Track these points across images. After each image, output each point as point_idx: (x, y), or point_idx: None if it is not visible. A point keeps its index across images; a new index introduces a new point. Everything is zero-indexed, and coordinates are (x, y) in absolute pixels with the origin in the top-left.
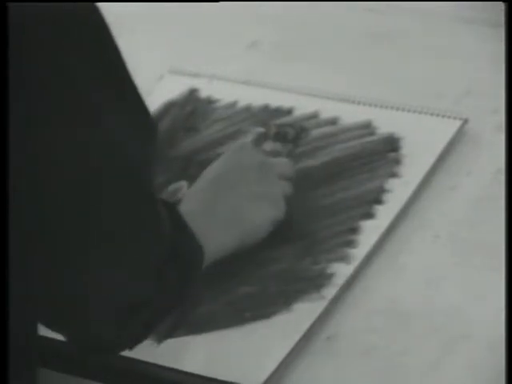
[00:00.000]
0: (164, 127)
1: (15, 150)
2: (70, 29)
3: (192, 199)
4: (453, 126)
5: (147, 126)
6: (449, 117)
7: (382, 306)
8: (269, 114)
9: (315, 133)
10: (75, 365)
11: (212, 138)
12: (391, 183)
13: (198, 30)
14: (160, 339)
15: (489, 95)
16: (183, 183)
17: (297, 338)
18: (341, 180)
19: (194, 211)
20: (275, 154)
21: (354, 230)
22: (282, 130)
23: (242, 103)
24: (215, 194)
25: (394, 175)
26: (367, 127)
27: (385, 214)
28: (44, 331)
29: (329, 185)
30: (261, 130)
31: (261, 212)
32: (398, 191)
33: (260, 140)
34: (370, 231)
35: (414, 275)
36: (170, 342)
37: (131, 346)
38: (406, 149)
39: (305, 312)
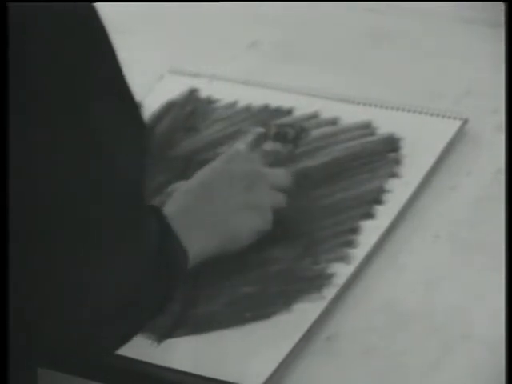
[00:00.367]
0: (164, 127)
1: (14, 151)
2: (70, 29)
3: (178, 200)
4: (453, 126)
5: (140, 131)
6: (449, 117)
7: (382, 306)
8: (269, 114)
9: (315, 133)
10: (75, 365)
11: (212, 138)
12: (391, 183)
13: (198, 30)
14: (160, 339)
15: (489, 95)
16: (183, 183)
17: (297, 338)
18: (341, 180)
19: (178, 212)
20: (275, 154)
21: (354, 230)
22: (281, 130)
23: (242, 103)
24: (201, 198)
25: (394, 175)
26: (367, 127)
27: (385, 214)
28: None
29: (329, 185)
30: (261, 130)
31: (245, 222)
32: (398, 191)
33: (260, 140)
34: (370, 231)
35: (413, 275)
36: (170, 342)
37: (116, 347)
38: (406, 149)
39: (305, 312)
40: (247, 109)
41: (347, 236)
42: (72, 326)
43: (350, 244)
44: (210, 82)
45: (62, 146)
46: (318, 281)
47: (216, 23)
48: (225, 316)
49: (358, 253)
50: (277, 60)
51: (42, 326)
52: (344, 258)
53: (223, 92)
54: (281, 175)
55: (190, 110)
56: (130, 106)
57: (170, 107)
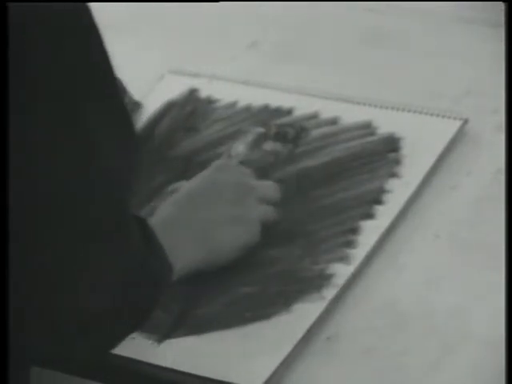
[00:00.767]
0: (164, 127)
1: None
2: (68, 29)
3: (164, 212)
4: (453, 126)
5: (131, 139)
6: (449, 117)
7: (382, 306)
8: (269, 114)
9: (315, 133)
10: (75, 365)
11: (212, 138)
12: (391, 183)
13: (197, 30)
14: (160, 339)
15: (489, 95)
16: (183, 183)
17: (297, 338)
18: (341, 180)
19: (164, 223)
20: (275, 154)
21: (354, 231)
22: (281, 130)
23: (242, 103)
24: (188, 210)
25: (394, 175)
26: (367, 127)
27: (385, 214)
28: None
29: (329, 185)
30: (261, 129)
31: (232, 235)
32: (398, 191)
33: (260, 140)
34: (370, 231)
35: (414, 275)
36: (170, 343)
37: (94, 357)
38: (406, 149)
39: (305, 312)
40: (247, 109)
41: (347, 236)
42: (49, 336)
43: (350, 244)
44: (210, 81)
45: (55, 147)
46: (318, 281)
47: (216, 23)
48: (225, 316)
49: (358, 253)
50: (277, 60)
51: (38, 326)
52: (344, 259)
53: (223, 92)
54: (270, 188)
55: (190, 110)
56: (120, 109)
57: (169, 107)
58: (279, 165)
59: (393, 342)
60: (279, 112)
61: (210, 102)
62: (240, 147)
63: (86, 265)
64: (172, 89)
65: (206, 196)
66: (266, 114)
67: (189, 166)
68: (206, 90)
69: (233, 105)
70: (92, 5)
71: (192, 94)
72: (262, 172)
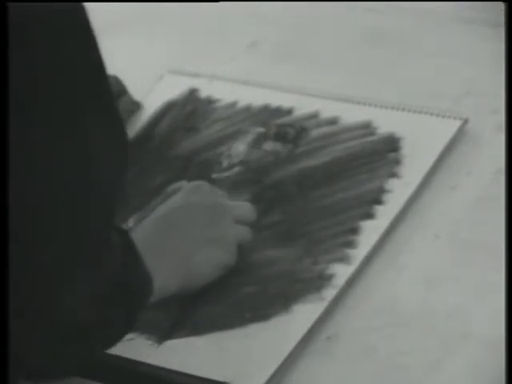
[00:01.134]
0: (164, 127)
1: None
2: (67, 29)
3: (140, 235)
4: (453, 126)
5: (123, 148)
6: (449, 117)
7: (382, 306)
8: (269, 114)
9: (315, 133)
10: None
11: (212, 138)
12: (391, 183)
13: (197, 30)
14: (160, 340)
15: (489, 95)
16: (183, 183)
17: (297, 339)
18: (341, 180)
19: (139, 247)
20: (275, 154)
21: (354, 231)
22: (281, 130)
23: (242, 103)
24: (163, 232)
25: (394, 175)
26: (367, 127)
27: (385, 214)
28: None
29: (329, 185)
30: (261, 129)
31: (209, 257)
32: (398, 191)
33: (260, 140)
34: (370, 231)
35: (414, 275)
36: (170, 343)
37: (72, 372)
38: (406, 149)
39: (305, 313)
40: (247, 109)
41: (347, 236)
42: (21, 353)
43: (350, 244)
44: (210, 81)
45: (54, 147)
46: (318, 281)
47: (216, 23)
48: (225, 317)
49: (358, 253)
50: (277, 60)
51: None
52: (344, 259)
53: (223, 92)
54: (245, 208)
55: (190, 109)
56: (114, 117)
57: (169, 107)
58: (279, 165)
59: (393, 342)
60: (279, 112)
61: (209, 102)
62: (240, 147)
63: (70, 275)
64: (172, 89)
65: (180, 219)
66: (266, 114)
67: (189, 166)
68: (206, 90)
69: (233, 105)
70: (92, 5)
71: (192, 94)
72: (262, 172)
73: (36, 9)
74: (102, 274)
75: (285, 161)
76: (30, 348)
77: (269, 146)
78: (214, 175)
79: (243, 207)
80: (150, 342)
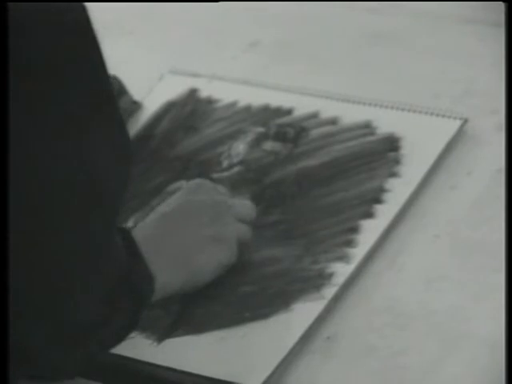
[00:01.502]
0: (164, 127)
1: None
2: (67, 30)
3: (141, 234)
4: (453, 126)
5: (125, 147)
6: (449, 117)
7: (382, 305)
8: (269, 113)
9: (315, 133)
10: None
11: (212, 138)
12: (391, 183)
13: (197, 30)
14: (160, 339)
15: (489, 95)
16: (182, 183)
17: (296, 337)
18: (341, 180)
19: (141, 246)
20: (275, 154)
21: (354, 230)
22: (281, 130)
23: (242, 103)
24: (164, 231)
25: (393, 175)
26: (367, 127)
27: (385, 213)
28: None
29: (329, 184)
30: (261, 129)
31: (210, 255)
32: (397, 191)
33: (260, 140)
34: (369, 231)
35: (413, 275)
36: (170, 342)
37: (76, 372)
38: (406, 149)
39: (304, 312)
40: (247, 109)
41: (347, 235)
42: (30, 349)
43: (350, 243)
44: (210, 81)
45: (55, 147)
46: (318, 280)
47: (216, 23)
48: (224, 315)
49: (358, 252)
50: (277, 60)
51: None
52: (344, 258)
53: (223, 92)
54: (246, 207)
55: (190, 109)
56: (115, 119)
57: (169, 107)
58: (279, 165)
59: (393, 342)
60: (279, 112)
61: (210, 102)
62: (240, 147)
63: (74, 275)
64: (172, 89)
65: (182, 218)
66: (266, 114)
67: (189, 166)
68: (206, 90)
69: (233, 105)
70: (92, 5)
71: (192, 93)
72: (262, 172)
73: (36, 9)
74: (105, 274)
75: (285, 161)
76: (34, 348)
77: (269, 145)
78: (214, 175)
79: (244, 205)
80: (150, 341)
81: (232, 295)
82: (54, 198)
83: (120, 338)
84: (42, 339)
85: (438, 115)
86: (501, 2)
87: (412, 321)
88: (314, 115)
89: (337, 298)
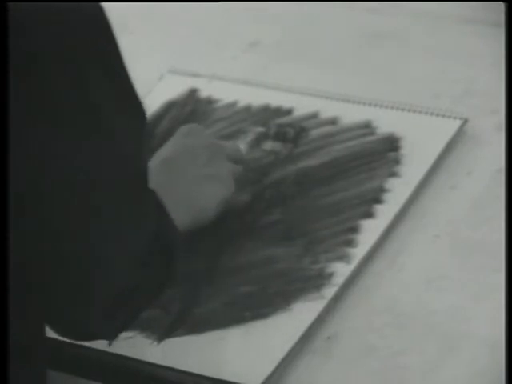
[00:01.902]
0: (164, 127)
1: (15, 149)
2: (72, 28)
3: None
4: (453, 126)
5: (143, 121)
6: (449, 117)
7: (382, 305)
8: (269, 113)
9: (315, 133)
10: (75, 365)
11: None
12: (391, 183)
13: (198, 30)
14: (160, 338)
15: (489, 95)
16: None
17: (296, 337)
18: (341, 180)
19: None
20: (275, 153)
21: (354, 230)
22: (281, 130)
23: (242, 103)
24: (164, 176)
25: (393, 175)
26: (367, 127)
27: (385, 213)
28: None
29: (329, 184)
30: (261, 129)
31: (211, 191)
32: (397, 191)
33: (260, 140)
34: (369, 231)
35: (413, 275)
36: (170, 342)
37: (116, 334)
38: (406, 148)
39: (304, 311)
40: (247, 109)
41: (347, 235)
42: (71, 314)
43: (350, 243)
44: (210, 81)
45: (63, 143)
46: (318, 280)
47: (216, 23)
48: (224, 315)
49: (358, 252)
50: (277, 60)
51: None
52: (344, 258)
53: (223, 92)
54: (234, 147)
55: (190, 109)
56: (134, 103)
57: (169, 107)
58: (279, 164)
59: (393, 342)
60: (279, 112)
61: (210, 101)
62: (240, 147)
63: (106, 230)
64: (172, 89)
65: (180, 161)
66: (266, 114)
67: None
68: (206, 89)
69: (233, 105)
70: None
71: (192, 93)
72: (262, 172)
73: (37, 9)
74: (141, 235)
75: (285, 160)
76: (73, 313)
77: (268, 145)
78: None
79: (232, 146)
80: (150, 341)
81: (232, 295)
82: (89, 166)
83: (157, 295)
84: (78, 304)
85: (438, 115)
86: (501, 2)
87: (412, 321)
88: (314, 115)
89: (337, 298)
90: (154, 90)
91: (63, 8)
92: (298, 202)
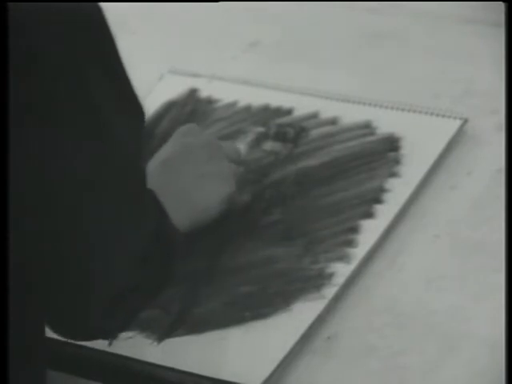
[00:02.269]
0: (164, 127)
1: (15, 149)
2: (72, 29)
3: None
4: (453, 126)
5: (142, 121)
6: (449, 117)
7: (382, 305)
8: (269, 113)
9: (315, 133)
10: (75, 365)
11: None
12: (391, 183)
13: (198, 30)
14: (160, 339)
15: (489, 95)
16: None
17: (296, 337)
18: (341, 180)
19: None
20: (275, 153)
21: (354, 230)
22: (281, 130)
23: (242, 103)
24: (165, 177)
25: (393, 175)
26: (367, 127)
27: (385, 213)
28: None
29: (329, 184)
30: (261, 129)
31: (212, 190)
32: (397, 191)
33: (260, 140)
34: (369, 231)
35: (413, 275)
36: (170, 342)
37: (113, 334)
38: (406, 149)
39: (304, 312)
40: (247, 109)
41: (347, 235)
42: (71, 313)
43: (350, 243)
44: (210, 81)
45: (68, 128)
46: (318, 280)
47: (216, 23)
48: (224, 315)
49: (358, 252)
50: (277, 60)
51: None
52: (344, 258)
53: (223, 92)
54: (232, 148)
55: (190, 109)
56: (131, 99)
57: (169, 107)
58: (279, 165)
59: (393, 342)
60: (279, 112)
61: (210, 101)
62: (240, 147)
63: (105, 229)
64: (172, 89)
65: (180, 160)
66: (266, 114)
67: None
68: (206, 90)
69: (233, 105)
70: None
71: (192, 93)
72: (262, 172)
73: (36, 9)
74: (141, 235)
75: (285, 161)
76: (72, 312)
77: (269, 145)
78: None
79: (230, 146)
80: (150, 341)
81: (232, 295)
82: (89, 165)
83: (156, 295)
84: (77, 304)
85: (438, 115)
86: (501, 2)
87: (412, 321)
88: (314, 115)
89: (337, 298)
90: (154, 90)
91: (63, 8)
92: (298, 201)
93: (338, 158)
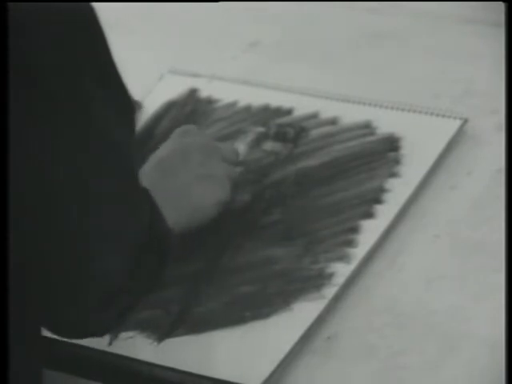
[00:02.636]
0: (164, 127)
1: (15, 149)
2: (72, 28)
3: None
4: (453, 126)
5: (131, 115)
6: (449, 117)
7: (382, 305)
8: (269, 113)
9: (315, 133)
10: (75, 365)
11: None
12: (391, 183)
13: (198, 30)
14: (160, 339)
15: (489, 95)
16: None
17: (296, 337)
18: (341, 180)
19: None
20: (275, 154)
21: (354, 230)
22: (281, 130)
23: (242, 103)
24: (160, 178)
25: (393, 175)
26: (367, 127)
27: (385, 213)
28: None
29: (329, 184)
30: (261, 129)
31: (206, 192)
32: (397, 191)
33: (260, 140)
34: (369, 231)
35: (413, 275)
36: (170, 342)
37: (103, 333)
38: (406, 149)
39: (304, 312)
40: (247, 109)
41: (347, 235)
42: (59, 312)
43: (350, 243)
44: (210, 81)
45: (63, 131)
46: (318, 280)
47: (216, 23)
48: (224, 315)
49: (358, 252)
50: (277, 60)
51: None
52: (344, 258)
53: (223, 92)
54: (229, 149)
55: (190, 109)
56: (124, 95)
57: (169, 107)
58: (279, 165)
59: (393, 342)
60: (279, 112)
61: (210, 101)
62: (240, 147)
63: (100, 228)
64: (172, 89)
65: (174, 162)
66: (266, 114)
67: None
68: (206, 90)
69: (233, 105)
70: (93, 5)
71: (192, 93)
72: (262, 172)
73: (36, 9)
74: (131, 235)
75: (285, 161)
76: (61, 312)
77: (269, 146)
78: None
79: (228, 148)
80: (150, 341)
81: (232, 295)
82: (78, 164)
83: (146, 296)
84: (70, 302)
85: (438, 115)
86: (501, 2)
87: (412, 321)
88: (314, 115)
89: (337, 298)
90: (154, 90)
91: (63, 8)
92: (298, 201)
93: (337, 157)
